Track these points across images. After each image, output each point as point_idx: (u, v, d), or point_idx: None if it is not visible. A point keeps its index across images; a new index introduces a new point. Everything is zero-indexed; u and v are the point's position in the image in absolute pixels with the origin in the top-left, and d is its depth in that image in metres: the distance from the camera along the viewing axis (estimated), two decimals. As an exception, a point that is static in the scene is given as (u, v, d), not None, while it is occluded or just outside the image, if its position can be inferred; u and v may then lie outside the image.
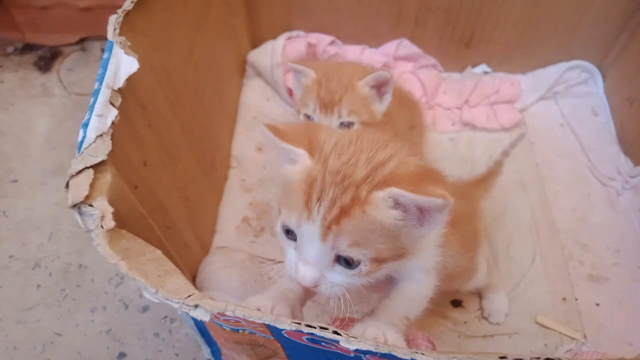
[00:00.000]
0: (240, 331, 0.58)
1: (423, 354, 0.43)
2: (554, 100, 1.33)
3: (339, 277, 0.58)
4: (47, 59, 1.46)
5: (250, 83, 1.31)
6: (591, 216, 1.14)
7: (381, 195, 0.53)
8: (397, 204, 0.53)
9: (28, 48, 1.49)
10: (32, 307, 1.05)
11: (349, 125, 0.93)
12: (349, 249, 0.54)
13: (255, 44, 1.32)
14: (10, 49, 1.49)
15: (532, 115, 1.31)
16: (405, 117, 1.08)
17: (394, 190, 0.52)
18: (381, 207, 0.53)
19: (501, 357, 0.43)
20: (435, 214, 0.53)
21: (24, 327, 1.02)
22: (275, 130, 0.59)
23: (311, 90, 0.94)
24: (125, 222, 0.57)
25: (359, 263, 0.56)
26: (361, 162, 0.55)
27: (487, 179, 1.04)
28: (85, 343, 1.01)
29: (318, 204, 0.54)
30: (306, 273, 0.57)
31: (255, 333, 0.60)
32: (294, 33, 1.29)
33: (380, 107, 0.96)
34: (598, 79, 1.31)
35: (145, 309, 1.04)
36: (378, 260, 0.56)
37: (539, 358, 0.42)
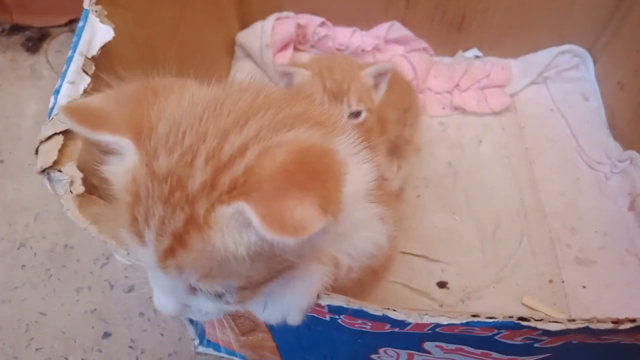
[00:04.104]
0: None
1: (395, 310, 0.43)
2: (545, 85, 1.32)
3: (208, 303, 0.45)
4: (35, 40, 1.45)
5: (239, 65, 1.30)
6: (580, 200, 1.13)
7: (227, 212, 0.37)
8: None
9: (16, 29, 1.47)
10: (17, 287, 1.05)
11: (357, 114, 0.93)
12: (198, 282, 0.41)
13: (245, 24, 1.30)
14: (-2, 31, 1.48)
15: (522, 99, 1.30)
16: (397, 101, 1.08)
17: (243, 207, 0.35)
18: (229, 229, 0.37)
19: (473, 316, 0.43)
20: None
21: (9, 307, 1.02)
22: (84, 113, 0.41)
23: (314, 84, 0.93)
24: (99, 190, 0.57)
25: (222, 294, 0.43)
26: (200, 158, 0.39)
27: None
28: (70, 323, 1.00)
29: (146, 225, 0.39)
30: (162, 303, 0.46)
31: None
32: (284, 14, 1.28)
33: (376, 96, 0.97)
34: (589, 63, 1.30)
35: (130, 289, 1.03)
36: (250, 287, 0.43)
37: (511, 317, 0.42)
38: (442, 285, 1.00)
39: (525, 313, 0.95)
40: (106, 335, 0.99)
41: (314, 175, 0.36)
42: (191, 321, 0.87)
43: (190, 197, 0.38)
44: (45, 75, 1.39)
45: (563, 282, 1.01)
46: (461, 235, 1.07)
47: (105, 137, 0.41)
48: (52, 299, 1.03)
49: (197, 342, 0.92)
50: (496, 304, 0.98)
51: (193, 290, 0.43)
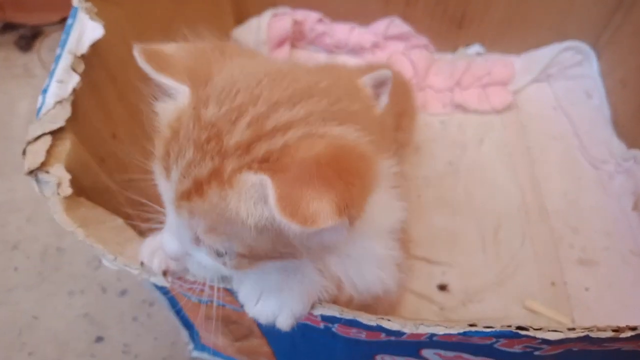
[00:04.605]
0: (208, 303, 0.56)
1: (389, 320, 0.41)
2: (548, 82, 1.29)
3: (207, 259, 0.45)
4: (28, 38, 1.43)
5: (235, 62, 1.28)
6: (582, 199, 1.11)
7: (250, 180, 0.38)
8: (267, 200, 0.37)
9: (9, 27, 1.45)
10: (11, 290, 1.03)
11: None
12: (203, 234, 0.42)
13: (240, 20, 1.28)
14: (-10, 29, 1.46)
15: (524, 97, 1.28)
16: (390, 106, 1.03)
17: (266, 181, 0.36)
18: (246, 196, 0.38)
19: (471, 325, 0.41)
20: None
21: (2, 310, 1.00)
22: (153, 55, 0.44)
23: None
24: (88, 192, 0.55)
25: (221, 254, 0.43)
26: (244, 119, 0.40)
27: None
28: (62, 327, 0.99)
29: (175, 163, 0.41)
30: (168, 242, 0.46)
31: (225, 305, 0.58)
32: (280, 10, 1.25)
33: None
34: (592, 60, 1.28)
35: (123, 292, 1.02)
36: (249, 257, 0.43)
37: (509, 326, 0.41)
38: (442, 288, 0.98)
39: (527, 316, 0.94)
40: (99, 339, 0.97)
41: (343, 175, 0.37)
42: (184, 324, 0.85)
43: (223, 151, 0.39)
44: (38, 74, 1.37)
45: (565, 283, 0.99)
46: (462, 236, 1.05)
47: (166, 80, 0.43)
48: (45, 303, 1.01)
49: (191, 346, 0.90)
50: (498, 307, 0.96)
51: (197, 240, 0.44)
